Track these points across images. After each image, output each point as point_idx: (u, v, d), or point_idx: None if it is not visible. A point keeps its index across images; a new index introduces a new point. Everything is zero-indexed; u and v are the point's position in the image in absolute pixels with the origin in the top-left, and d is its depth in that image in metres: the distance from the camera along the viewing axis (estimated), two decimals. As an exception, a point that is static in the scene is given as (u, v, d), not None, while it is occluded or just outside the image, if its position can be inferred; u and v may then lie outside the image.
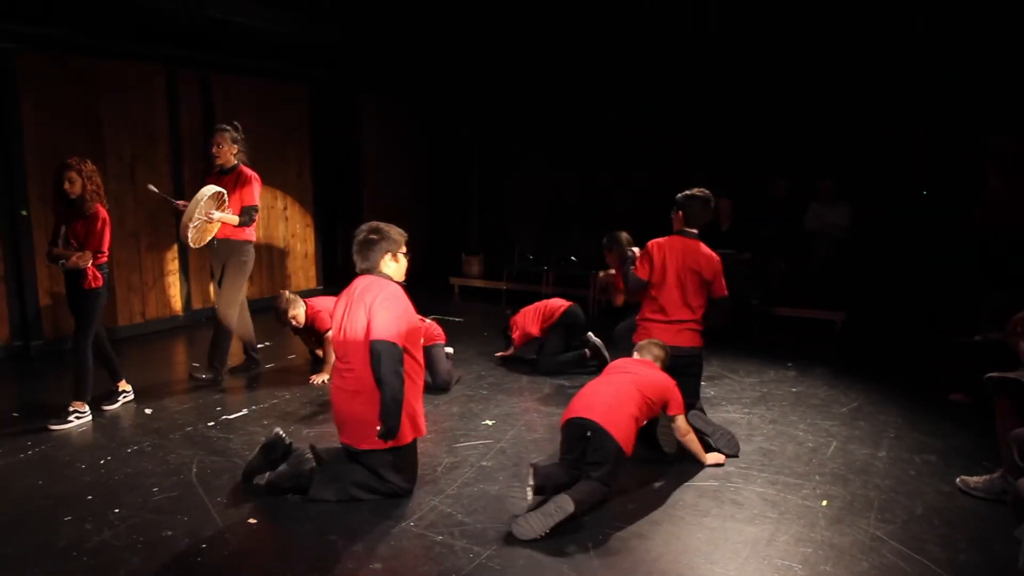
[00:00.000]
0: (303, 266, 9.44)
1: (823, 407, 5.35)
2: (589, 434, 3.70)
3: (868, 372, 6.20)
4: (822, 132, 8.75)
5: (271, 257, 8.97)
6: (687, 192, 4.72)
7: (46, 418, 4.89)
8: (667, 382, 4.10)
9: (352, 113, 9.94)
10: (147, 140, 7.40)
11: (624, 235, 5.80)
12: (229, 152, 5.82)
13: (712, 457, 4.28)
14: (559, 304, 6.35)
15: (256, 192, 5.82)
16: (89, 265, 4.86)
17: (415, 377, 3.82)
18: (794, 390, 5.75)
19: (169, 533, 3.47)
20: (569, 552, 3.31)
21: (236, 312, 5.90)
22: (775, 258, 8.18)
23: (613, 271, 6.09)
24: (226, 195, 5.54)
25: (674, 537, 3.47)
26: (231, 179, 5.75)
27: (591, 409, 3.77)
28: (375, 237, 3.88)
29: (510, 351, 6.54)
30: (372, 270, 3.88)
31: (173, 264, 7.81)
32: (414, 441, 3.87)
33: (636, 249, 5.14)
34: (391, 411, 3.58)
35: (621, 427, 3.71)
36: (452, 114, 11.03)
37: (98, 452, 4.46)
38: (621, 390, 3.90)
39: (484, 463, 4.29)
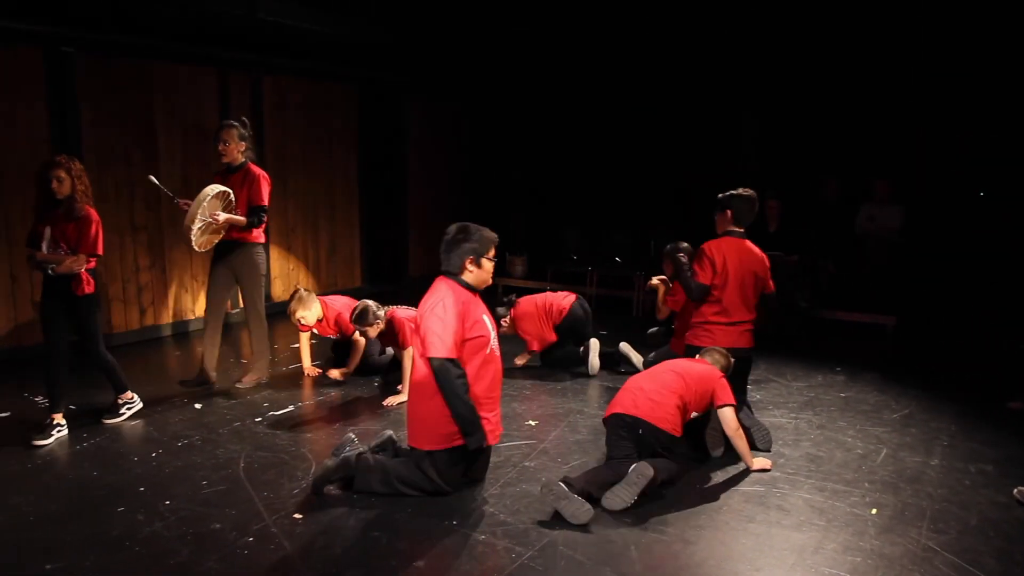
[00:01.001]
0: (348, 265, 9.55)
1: (873, 413, 5.23)
2: (640, 432, 3.85)
3: (920, 378, 6.04)
4: (875, 131, 8.56)
5: (317, 257, 9.10)
6: (732, 192, 4.68)
7: (100, 411, 5.03)
8: (714, 372, 4.14)
9: (398, 114, 10.03)
10: (199, 141, 7.56)
11: (686, 245, 5.62)
12: (236, 149, 5.47)
13: (759, 462, 4.22)
14: (563, 301, 6.26)
15: (266, 192, 5.48)
16: (83, 270, 4.61)
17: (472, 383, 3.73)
18: (843, 395, 5.64)
19: (217, 526, 3.54)
20: (612, 554, 3.29)
21: (263, 314, 5.71)
22: (824, 260, 8.02)
23: (657, 280, 6.03)
24: (232, 195, 5.27)
25: (719, 542, 3.43)
26: (238, 178, 5.43)
27: (637, 406, 3.89)
28: (460, 238, 3.75)
29: (526, 358, 6.36)
30: (451, 273, 3.78)
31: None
32: (463, 447, 3.78)
33: (682, 255, 5.09)
34: (465, 422, 3.61)
35: (667, 418, 3.87)
36: (497, 114, 11.05)
37: (150, 445, 4.57)
38: (665, 380, 4.01)
39: (527, 463, 4.29)
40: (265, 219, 5.51)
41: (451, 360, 3.59)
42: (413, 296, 6.26)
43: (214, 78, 7.71)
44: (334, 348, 6.41)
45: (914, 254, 8.09)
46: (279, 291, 8.59)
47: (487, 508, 3.73)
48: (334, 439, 4.66)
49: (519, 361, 6.35)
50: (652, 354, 5.90)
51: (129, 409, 5.00)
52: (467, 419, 3.63)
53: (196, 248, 5.20)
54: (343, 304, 6.05)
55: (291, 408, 5.28)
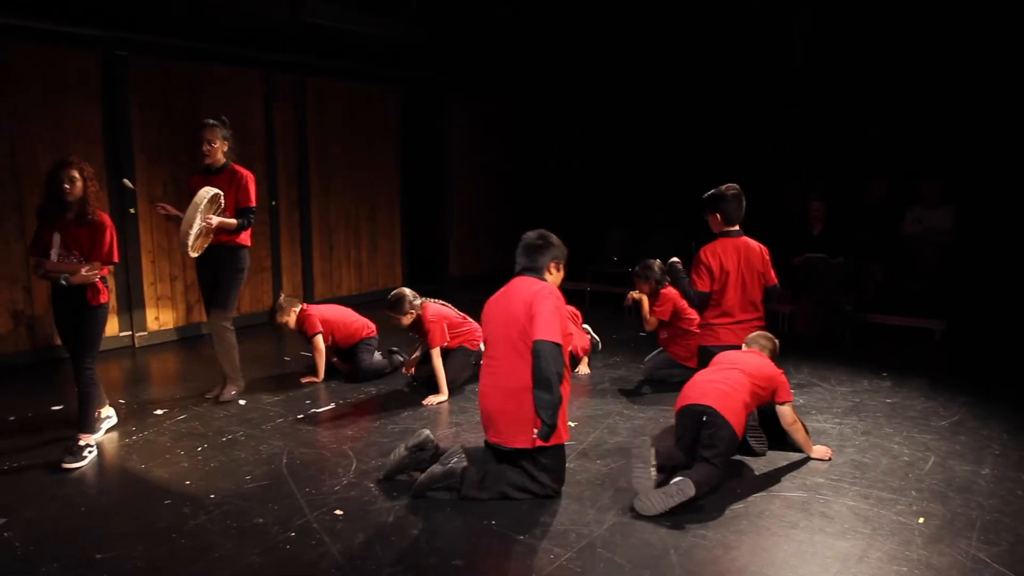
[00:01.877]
0: (389, 264, 9.63)
1: (920, 419, 5.11)
2: (705, 419, 3.88)
3: (970, 384, 5.88)
4: (924, 130, 8.37)
5: (359, 256, 9.19)
6: (715, 192, 4.78)
7: (151, 405, 5.14)
8: (775, 370, 4.25)
9: (440, 113, 10.09)
10: (244, 141, 7.68)
11: (658, 263, 5.85)
12: (220, 150, 5.22)
13: (819, 450, 4.32)
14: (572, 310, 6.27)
15: (254, 192, 5.25)
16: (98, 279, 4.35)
17: (566, 380, 3.80)
18: (889, 401, 5.52)
19: (260, 520, 3.59)
20: (651, 557, 3.26)
21: (231, 324, 5.36)
22: (870, 263, 7.86)
23: (637, 294, 6.02)
24: (222, 197, 5.05)
25: (760, 548, 3.38)
26: (223, 179, 5.18)
27: (706, 396, 3.97)
28: (542, 243, 3.91)
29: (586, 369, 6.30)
30: (535, 272, 3.89)
31: (267, 261, 8.10)
32: (563, 444, 3.84)
33: (676, 259, 5.08)
34: (550, 410, 3.61)
35: (734, 413, 3.91)
36: (538, 115, 11.05)
37: (195, 440, 4.67)
38: (732, 378, 4.08)
39: (567, 465, 4.27)
40: (254, 221, 5.28)
41: (560, 347, 3.64)
42: (453, 296, 6.32)
43: (259, 80, 7.84)
44: (336, 353, 6.16)
45: (965, 257, 7.88)
46: (320, 291, 8.70)
47: (526, 509, 3.72)
48: (375, 436, 4.71)
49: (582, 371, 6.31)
50: (648, 358, 6.01)
51: (91, 453, 4.36)
52: (553, 409, 3.61)
53: (192, 254, 4.99)
54: (332, 311, 6.00)
55: (332, 405, 5.34)
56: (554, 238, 3.96)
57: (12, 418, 5.06)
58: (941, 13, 7.83)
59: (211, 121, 5.25)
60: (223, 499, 3.83)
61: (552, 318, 3.65)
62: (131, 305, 6.93)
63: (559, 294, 3.82)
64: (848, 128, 8.75)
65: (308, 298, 8.53)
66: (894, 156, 8.52)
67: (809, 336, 7.26)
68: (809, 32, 8.35)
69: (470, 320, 5.80)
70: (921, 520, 3.64)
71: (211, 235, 5.08)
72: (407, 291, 5.57)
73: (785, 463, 4.28)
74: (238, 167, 5.27)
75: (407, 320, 5.54)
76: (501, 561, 3.26)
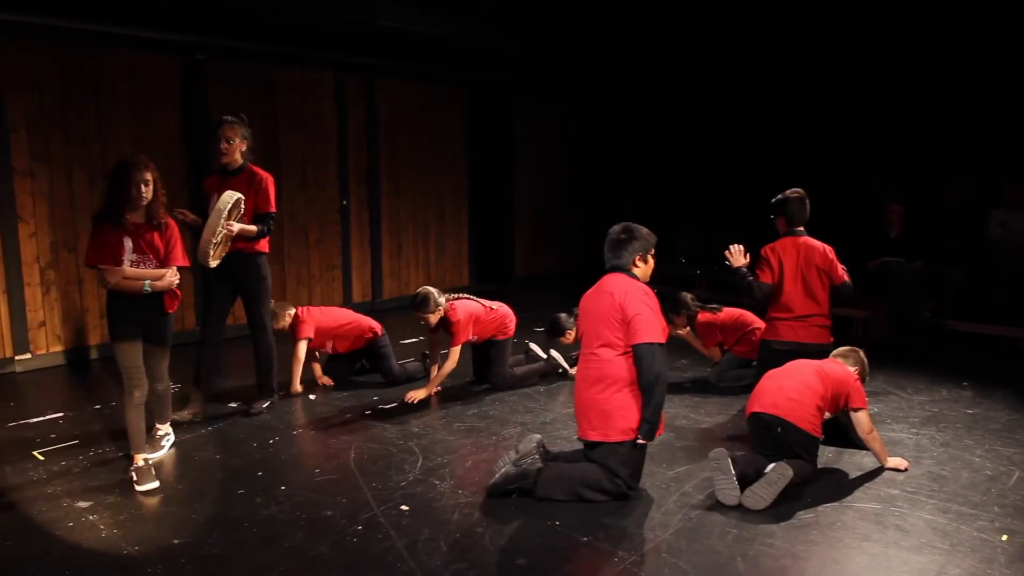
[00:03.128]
0: (456, 264, 9.73)
1: (1004, 432, 4.89)
2: (780, 430, 3.92)
3: (1059, 397, 5.60)
4: (1010, 129, 8.00)
5: (427, 256, 9.31)
6: (782, 196, 5.05)
7: (225, 399, 5.31)
8: (849, 375, 4.20)
9: (506, 114, 10.14)
10: (316, 141, 7.89)
11: (688, 295, 6.02)
12: (239, 149, 4.84)
13: (894, 461, 4.22)
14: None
15: (274, 196, 4.90)
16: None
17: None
18: (970, 412, 5.29)
19: (328, 513, 3.68)
20: (717, 565, 3.21)
21: (270, 329, 5.18)
22: (951, 268, 7.56)
23: (682, 332, 6.03)
24: (243, 202, 4.68)
25: (831, 560, 3.29)
26: (241, 182, 4.79)
27: (777, 405, 3.97)
28: (626, 236, 3.92)
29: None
30: (622, 268, 3.92)
31: (337, 259, 8.28)
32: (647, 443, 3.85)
33: (736, 248, 5.07)
34: (657, 411, 3.69)
35: (807, 418, 3.93)
36: (605, 115, 10.99)
37: (267, 432, 4.80)
38: (804, 380, 4.06)
39: (630, 467, 4.24)
40: (273, 227, 4.93)
41: (663, 347, 3.71)
42: (519, 296, 6.35)
43: (331, 82, 8.02)
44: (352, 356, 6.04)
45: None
46: (389, 289, 8.85)
47: (589, 510, 3.71)
48: (441, 435, 4.77)
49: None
50: (718, 364, 5.97)
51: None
52: (657, 409, 3.70)
53: (212, 263, 4.59)
54: (328, 318, 5.80)
55: (398, 403, 5.42)
56: (640, 230, 3.94)
57: (97, 406, 5.30)
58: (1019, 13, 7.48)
59: (229, 118, 4.85)
60: (293, 491, 3.93)
61: (650, 319, 3.70)
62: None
63: (649, 291, 3.82)
64: (930, 127, 8.43)
65: (377, 296, 8.69)
66: (978, 157, 8.17)
67: (884, 343, 7.03)
68: (889, 25, 8.07)
69: (497, 308, 5.76)
70: (1004, 537, 3.49)
71: (229, 243, 4.73)
72: (432, 290, 5.48)
73: (857, 473, 4.16)
74: (257, 169, 4.89)
75: (434, 319, 5.46)
76: (564, 562, 3.26)
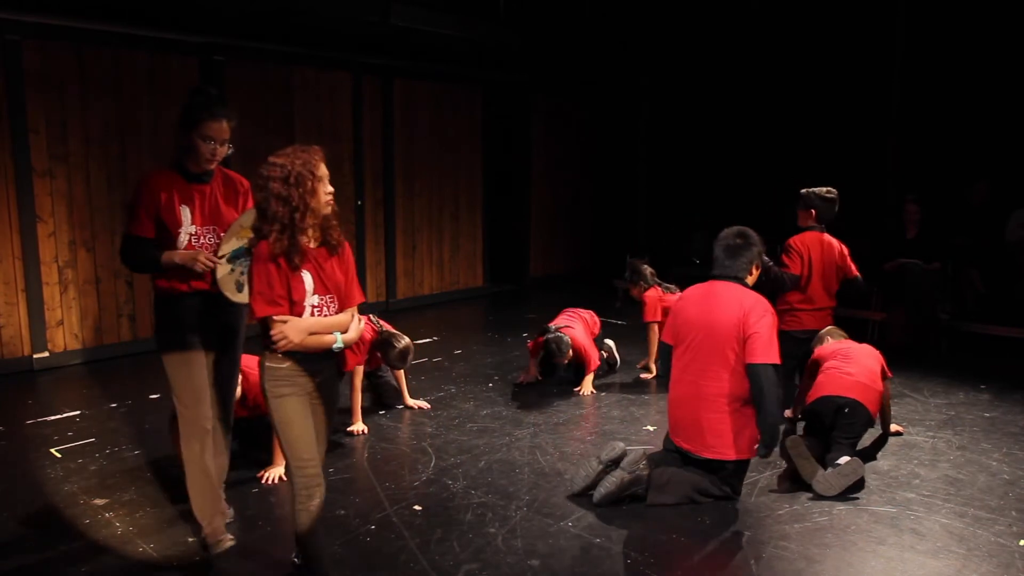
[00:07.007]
0: (471, 264, 9.74)
1: (1023, 436, 4.84)
2: (847, 410, 4.04)
3: (1079, 400, 5.54)
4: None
5: (440, 256, 9.33)
6: (815, 191, 5.19)
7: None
8: (876, 351, 4.57)
9: (523, 114, 10.14)
10: (333, 141, 7.91)
11: (650, 269, 6.19)
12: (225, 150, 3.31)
13: (895, 427, 4.74)
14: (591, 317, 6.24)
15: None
16: None
17: None
18: (987, 415, 5.24)
19: (342, 512, 3.69)
20: (731, 567, 3.20)
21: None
22: (970, 270, 7.48)
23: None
24: None
25: (846, 563, 3.27)
26: (216, 189, 3.37)
27: (848, 388, 4.12)
28: (743, 242, 3.79)
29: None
30: (737, 277, 3.79)
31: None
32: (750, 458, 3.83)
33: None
34: (774, 432, 3.66)
35: (873, 402, 4.16)
36: (621, 115, 10.97)
37: (282, 431, 4.82)
38: (867, 367, 4.29)
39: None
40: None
41: (780, 368, 3.72)
42: (533, 296, 6.33)
43: (348, 82, 8.05)
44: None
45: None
46: (403, 289, 8.87)
47: (603, 511, 3.71)
48: (454, 435, 4.77)
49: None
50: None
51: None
52: (775, 428, 3.68)
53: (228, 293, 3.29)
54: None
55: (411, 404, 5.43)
56: (754, 235, 3.80)
57: (114, 404, 5.35)
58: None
59: (225, 112, 3.26)
60: (307, 490, 3.94)
61: (772, 339, 3.63)
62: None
63: (769, 307, 3.72)
64: (948, 128, 8.36)
65: (391, 296, 8.71)
66: (998, 157, 8.08)
67: (901, 346, 6.96)
68: (912, 26, 8.01)
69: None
70: (1022, 543, 3.45)
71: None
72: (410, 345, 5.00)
73: (873, 476, 4.13)
74: (233, 173, 3.52)
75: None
76: (577, 563, 3.25)
